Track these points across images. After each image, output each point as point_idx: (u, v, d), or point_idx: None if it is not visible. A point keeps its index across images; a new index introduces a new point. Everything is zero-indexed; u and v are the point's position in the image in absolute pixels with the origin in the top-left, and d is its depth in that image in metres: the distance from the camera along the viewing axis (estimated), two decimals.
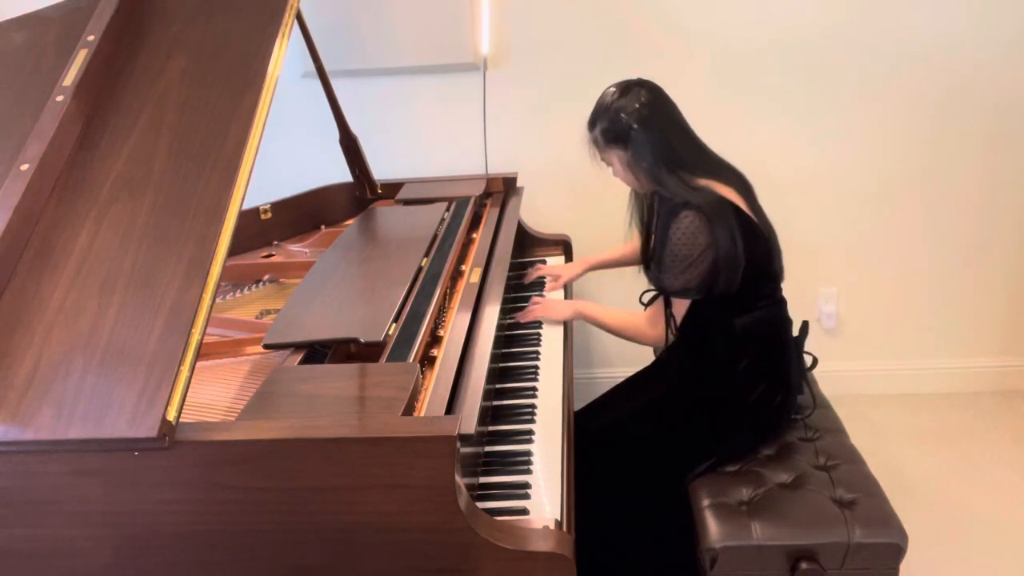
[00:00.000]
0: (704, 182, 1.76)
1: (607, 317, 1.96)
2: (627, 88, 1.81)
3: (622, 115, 1.77)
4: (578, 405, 2.02)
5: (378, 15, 2.59)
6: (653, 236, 1.95)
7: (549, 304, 2.04)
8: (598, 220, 2.54)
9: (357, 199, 2.48)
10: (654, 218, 1.94)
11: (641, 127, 1.76)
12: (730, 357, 1.82)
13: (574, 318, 2.03)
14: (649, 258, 1.97)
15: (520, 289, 2.23)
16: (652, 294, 1.99)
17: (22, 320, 1.26)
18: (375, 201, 2.46)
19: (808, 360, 1.96)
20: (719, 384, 1.83)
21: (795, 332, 1.92)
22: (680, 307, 1.82)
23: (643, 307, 2.02)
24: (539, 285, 2.26)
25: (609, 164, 1.88)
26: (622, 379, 2.14)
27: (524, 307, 2.14)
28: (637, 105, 1.76)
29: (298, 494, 1.17)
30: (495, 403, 1.69)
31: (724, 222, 1.70)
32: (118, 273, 1.29)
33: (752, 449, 1.80)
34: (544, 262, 2.43)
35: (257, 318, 1.86)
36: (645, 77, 1.84)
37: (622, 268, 2.24)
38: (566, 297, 2.23)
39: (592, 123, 1.84)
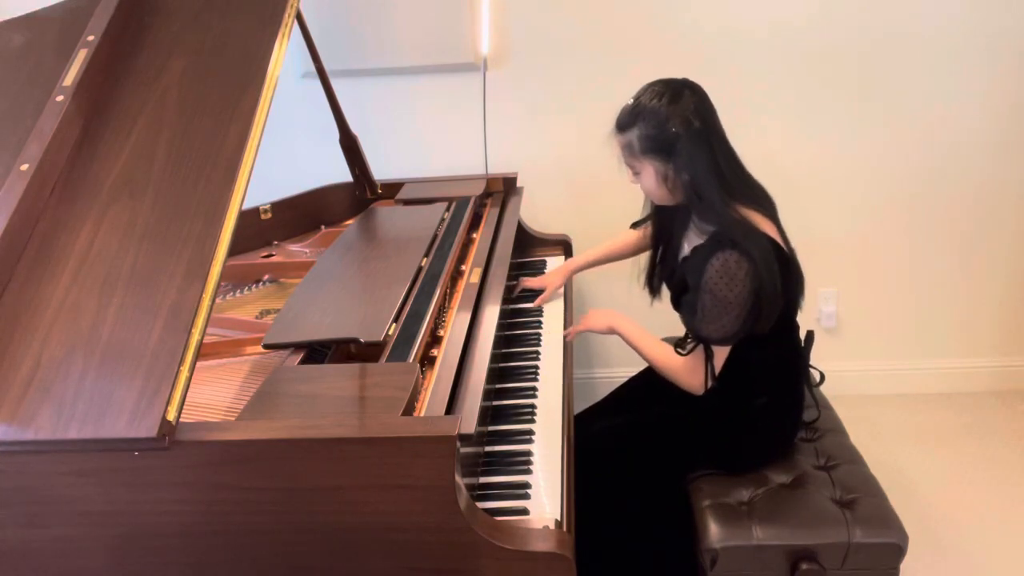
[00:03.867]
0: (743, 210, 1.61)
1: (643, 344, 1.79)
2: (676, 92, 1.60)
3: (669, 123, 1.58)
4: (578, 405, 2.02)
5: (378, 15, 2.59)
6: (662, 248, 1.86)
7: (587, 314, 1.92)
8: (598, 220, 2.54)
9: (357, 199, 2.47)
10: (673, 230, 1.80)
11: (689, 138, 1.58)
12: (748, 393, 1.72)
13: (609, 333, 1.87)
14: (652, 278, 1.90)
15: (518, 300, 2.19)
16: (692, 343, 1.78)
17: (22, 320, 1.26)
18: (375, 201, 2.46)
19: (816, 376, 1.88)
20: (735, 417, 1.74)
21: None
22: (721, 355, 1.67)
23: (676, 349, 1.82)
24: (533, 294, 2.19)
25: (636, 172, 1.69)
26: (621, 380, 2.13)
27: (527, 307, 2.13)
28: (687, 113, 1.58)
29: (298, 494, 1.17)
30: (495, 403, 1.69)
31: (767, 263, 1.55)
32: (118, 273, 1.29)
33: (758, 466, 1.75)
34: (544, 262, 2.42)
35: (257, 318, 1.87)
36: (689, 78, 1.68)
37: (619, 275, 2.18)
38: (565, 302, 2.20)
39: (626, 125, 1.64)
